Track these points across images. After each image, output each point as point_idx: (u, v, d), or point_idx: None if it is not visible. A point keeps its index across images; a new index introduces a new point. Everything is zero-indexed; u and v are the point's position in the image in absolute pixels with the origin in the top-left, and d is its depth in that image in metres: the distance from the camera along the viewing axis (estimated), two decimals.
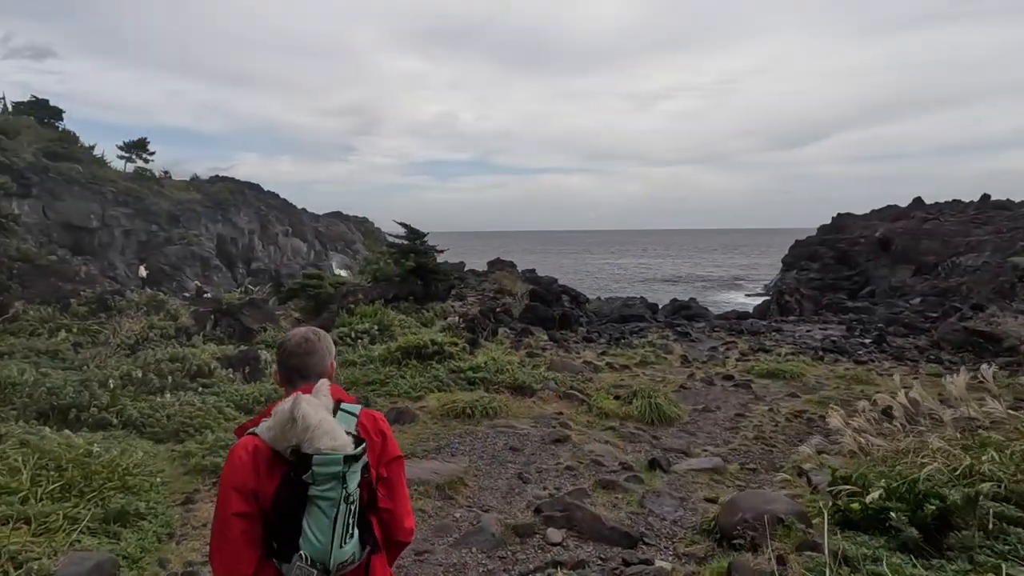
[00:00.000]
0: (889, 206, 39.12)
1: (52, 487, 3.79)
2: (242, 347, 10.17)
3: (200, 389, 7.85)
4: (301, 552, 1.51)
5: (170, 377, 7.83)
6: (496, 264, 27.70)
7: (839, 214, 39.73)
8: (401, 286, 15.45)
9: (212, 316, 11.32)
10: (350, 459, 1.54)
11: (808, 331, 17.75)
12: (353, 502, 1.56)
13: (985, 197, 34.01)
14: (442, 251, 17.07)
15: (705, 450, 6.73)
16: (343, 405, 1.75)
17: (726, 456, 6.57)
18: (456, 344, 10.52)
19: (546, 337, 14.79)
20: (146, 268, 24.77)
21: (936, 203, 36.94)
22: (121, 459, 4.64)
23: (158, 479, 4.67)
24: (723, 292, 46.03)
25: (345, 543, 1.55)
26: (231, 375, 8.53)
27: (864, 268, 34.22)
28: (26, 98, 40.54)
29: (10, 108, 38.39)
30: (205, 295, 17.82)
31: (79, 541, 3.40)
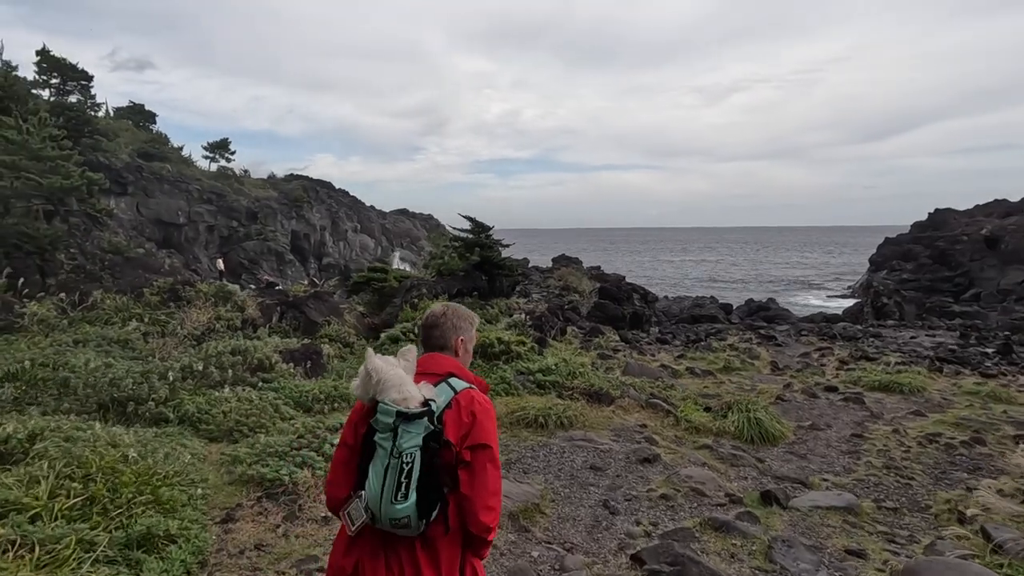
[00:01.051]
0: (997, 200, 35.02)
1: (73, 502, 3.24)
2: (305, 341, 9.78)
3: (260, 384, 7.41)
4: (363, 492, 1.68)
5: (230, 370, 7.43)
6: (561, 261, 26.73)
7: (936, 209, 35.97)
8: (465, 281, 14.80)
9: (278, 308, 11.04)
10: (402, 415, 1.63)
11: (913, 337, 15.72)
12: (407, 463, 1.61)
13: None
14: (508, 245, 16.30)
15: (824, 479, 5.55)
16: (451, 379, 1.80)
17: (852, 488, 5.38)
18: (524, 343, 9.69)
19: (617, 338, 13.73)
20: (223, 261, 25.57)
21: (1016, 201, 32.69)
22: (160, 466, 4.10)
23: (199, 490, 4.10)
24: (799, 293, 42.89)
25: (397, 500, 1.60)
26: (292, 370, 8.07)
27: (967, 269, 30.73)
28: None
29: (111, 113, 41.02)
30: (274, 287, 17.92)
31: (91, 573, 2.80)
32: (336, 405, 7.32)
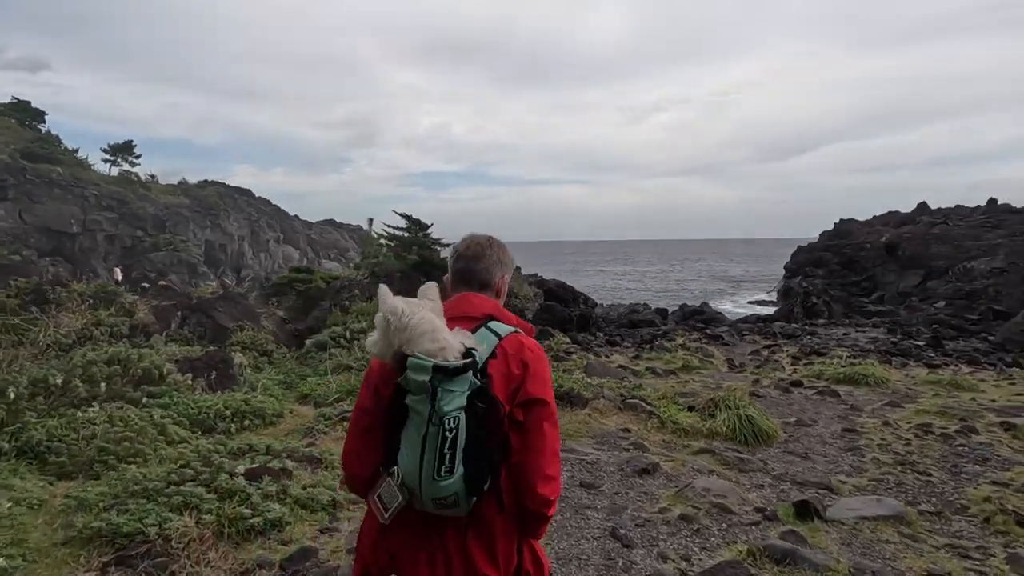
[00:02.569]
0: (891, 212, 37.71)
1: None
2: (211, 349, 8.01)
3: (146, 400, 5.70)
4: (396, 468, 1.30)
5: (103, 384, 5.67)
6: None
7: (842, 220, 38.22)
8: (403, 282, 13.34)
9: (179, 312, 9.14)
10: (441, 371, 1.22)
11: (846, 334, 15.88)
12: (451, 429, 1.23)
13: (992, 201, 32.65)
14: (447, 245, 15.00)
15: (843, 481, 4.71)
16: (492, 323, 1.44)
17: (874, 490, 4.56)
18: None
19: (567, 340, 12.75)
20: (122, 270, 22.41)
21: (940, 208, 35.59)
22: None
23: (3, 562, 2.54)
24: (722, 299, 44.33)
25: (440, 475, 1.25)
26: (191, 382, 6.38)
27: (872, 273, 32.58)
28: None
29: None
30: (167, 288, 15.56)
31: None
32: (247, 422, 5.74)
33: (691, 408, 6.34)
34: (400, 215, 14.85)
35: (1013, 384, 8.94)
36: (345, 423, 5.64)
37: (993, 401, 7.58)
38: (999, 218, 30.60)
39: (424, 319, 1.30)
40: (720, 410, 6.06)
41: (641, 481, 4.32)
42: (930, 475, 4.91)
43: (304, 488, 3.36)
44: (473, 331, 1.40)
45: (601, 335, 15.87)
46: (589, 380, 7.47)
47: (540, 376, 1.40)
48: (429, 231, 14.64)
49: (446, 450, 1.24)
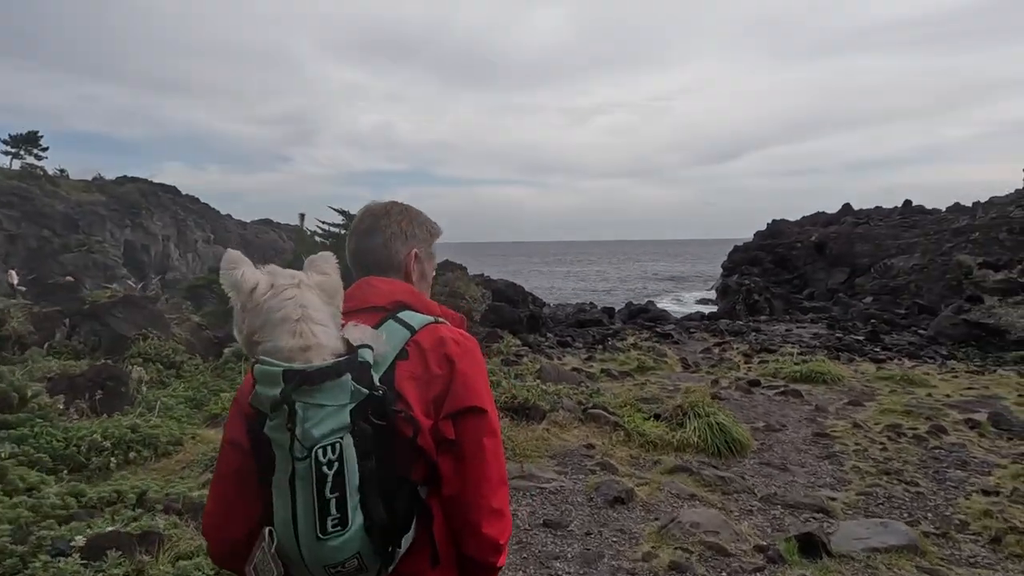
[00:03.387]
0: (818, 212, 39.36)
1: None
2: (103, 361, 6.71)
3: None
4: (267, 528, 0.92)
5: None
6: (445, 267, 24.68)
7: (774, 220, 39.57)
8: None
9: (65, 320, 7.71)
10: (296, 377, 0.87)
11: (788, 330, 15.99)
12: (329, 462, 0.86)
13: (907, 203, 34.63)
14: None
15: (831, 498, 4.17)
16: (403, 313, 1.07)
17: (865, 507, 4.06)
18: None
19: (518, 342, 12.01)
20: (18, 272, 19.81)
21: (862, 209, 37.45)
22: None
23: None
24: (662, 297, 45.06)
25: (325, 532, 0.87)
26: (61, 406, 5.15)
27: (803, 271, 33.81)
28: None
29: None
30: (76, 287, 13.70)
31: None
32: (133, 455, 4.64)
33: (657, 416, 5.71)
34: (336, 210, 13.66)
35: (957, 378, 8.95)
36: None
37: (947, 396, 7.44)
38: (914, 218, 32.42)
39: (287, 300, 0.93)
40: (689, 418, 5.46)
41: (615, 514, 3.60)
42: (917, 485, 4.48)
43: (176, 564, 2.41)
44: (376, 325, 1.03)
45: (552, 336, 15.25)
46: (544, 387, 6.74)
47: (472, 376, 1.04)
48: None
49: (328, 494, 0.87)
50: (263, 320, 0.92)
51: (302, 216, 13.47)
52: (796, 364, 9.46)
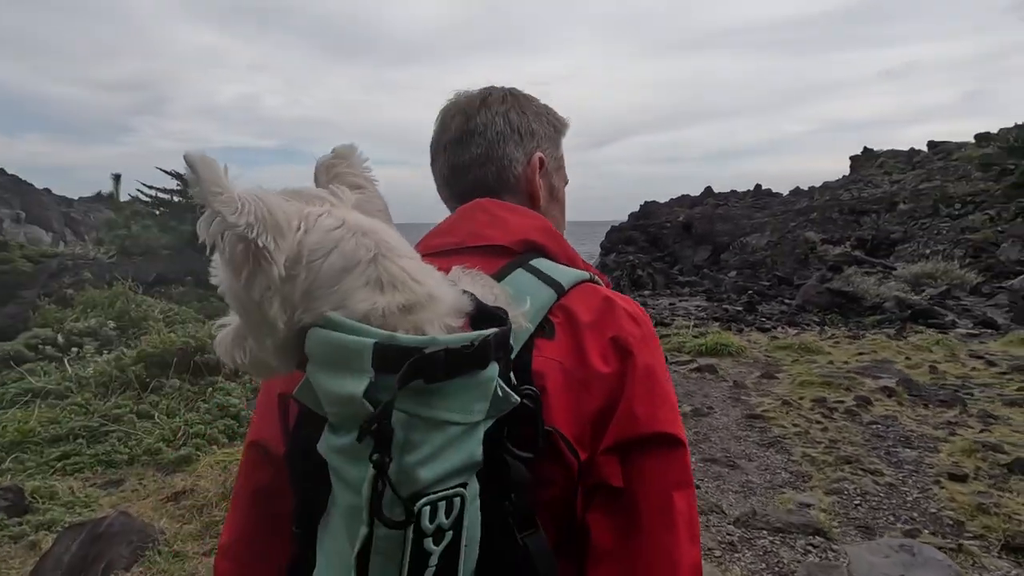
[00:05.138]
0: (684, 195, 41.74)
1: None
2: None
3: None
4: None
5: None
6: None
7: (646, 202, 41.31)
8: (173, 263, 9.62)
9: None
10: (406, 364, 0.43)
11: (672, 304, 16.06)
12: (442, 531, 0.44)
13: (758, 187, 37.80)
14: None
15: (806, 504, 3.26)
16: (538, 262, 0.64)
17: (847, 510, 3.21)
18: None
19: None
20: None
21: (720, 192, 40.35)
22: None
23: None
24: None
25: None
26: None
27: (673, 249, 35.52)
28: None
29: None
30: None
31: None
32: None
33: None
34: (169, 173, 10.85)
35: (839, 344, 8.99)
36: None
37: (846, 363, 7.22)
38: (764, 200, 35.43)
39: (334, 231, 0.48)
40: None
41: None
42: (881, 474, 3.75)
43: None
44: (498, 276, 0.59)
45: None
46: None
47: (660, 380, 0.60)
48: None
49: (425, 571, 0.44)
50: (305, 285, 0.46)
51: (116, 178, 10.48)
52: (696, 337, 9.00)
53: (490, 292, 0.54)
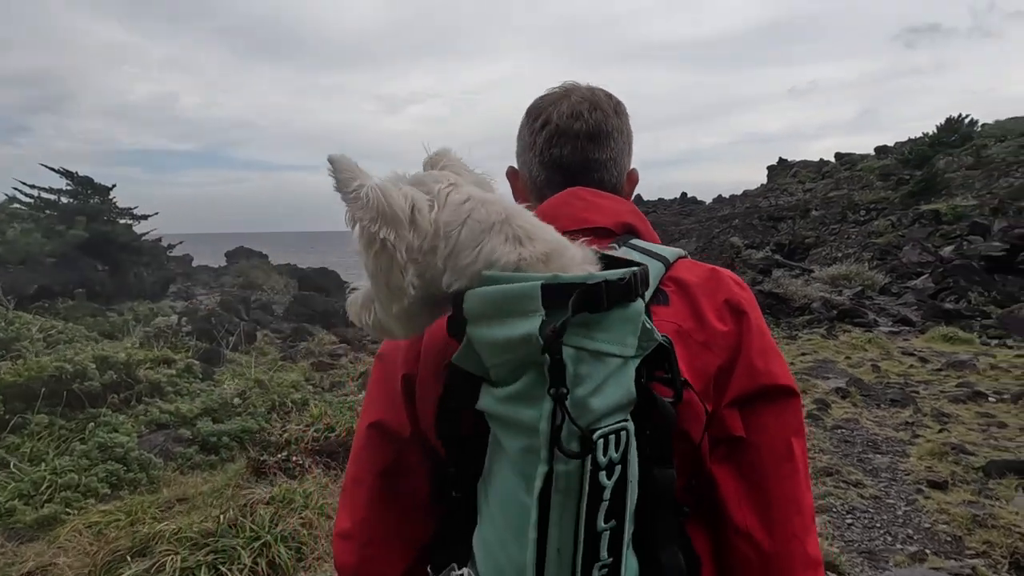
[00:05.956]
0: None
1: None
2: None
3: None
4: (463, 571, 0.55)
5: None
6: (240, 255, 20.23)
7: None
8: (59, 273, 8.25)
9: None
10: (573, 296, 0.48)
11: None
12: (613, 464, 0.48)
13: (684, 195, 39.33)
14: (145, 217, 10.15)
15: None
16: (636, 241, 0.69)
17: (842, 530, 2.90)
18: (173, 362, 4.82)
19: (334, 338, 9.46)
20: None
21: (650, 200, 41.68)
22: None
23: None
24: None
25: None
26: None
27: None
28: None
29: None
30: None
31: None
32: None
33: None
34: (57, 171, 9.36)
35: (778, 344, 9.11)
36: None
37: (792, 364, 7.19)
38: (690, 208, 36.85)
39: (465, 204, 0.54)
40: None
41: None
42: (863, 485, 3.51)
43: None
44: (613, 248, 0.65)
45: None
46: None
47: (770, 339, 0.66)
48: (111, 197, 9.57)
49: (602, 523, 0.47)
50: (448, 242, 0.52)
51: None
52: None
53: (614, 253, 0.59)
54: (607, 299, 0.47)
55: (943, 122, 21.54)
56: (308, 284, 12.39)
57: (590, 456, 0.46)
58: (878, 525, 3.01)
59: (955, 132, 20.85)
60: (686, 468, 0.58)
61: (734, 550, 0.61)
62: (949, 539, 2.84)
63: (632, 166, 0.79)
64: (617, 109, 0.76)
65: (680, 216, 36.35)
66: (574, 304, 0.46)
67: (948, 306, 11.62)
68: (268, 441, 3.32)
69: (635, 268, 0.51)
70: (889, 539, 2.87)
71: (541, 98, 0.77)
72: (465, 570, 0.54)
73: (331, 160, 0.53)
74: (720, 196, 37.25)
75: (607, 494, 0.47)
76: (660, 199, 42.14)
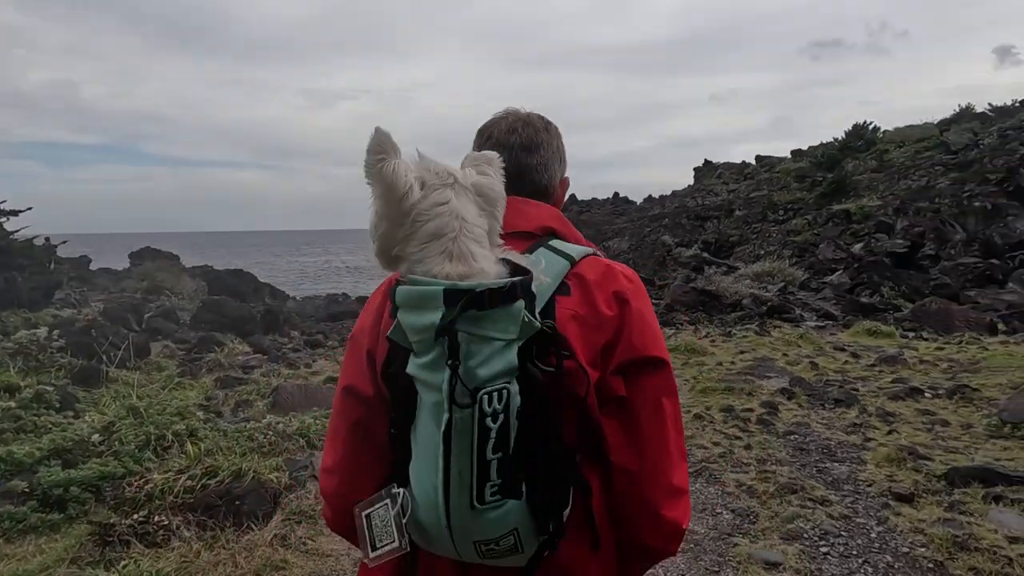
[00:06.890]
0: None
1: None
2: None
3: None
4: (401, 491, 0.75)
5: None
6: (144, 255, 18.15)
7: None
8: None
9: None
10: (463, 299, 0.70)
11: None
12: (495, 413, 0.70)
13: (616, 195, 39.99)
14: (15, 212, 8.62)
15: (771, 565, 2.54)
16: (554, 241, 0.90)
17: (827, 570, 2.54)
18: (18, 389, 3.84)
19: (247, 348, 8.39)
20: None
21: (583, 200, 42.07)
22: None
23: None
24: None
25: (483, 500, 0.71)
26: None
27: None
28: None
29: None
30: None
31: None
32: None
33: None
34: None
35: (715, 343, 9.02)
36: None
37: (733, 363, 7.04)
38: (622, 207, 37.49)
39: (441, 206, 0.77)
40: None
41: None
42: (829, 503, 3.20)
43: None
44: (526, 252, 0.86)
45: (297, 335, 11.79)
46: (277, 426, 3.84)
47: (650, 320, 0.87)
48: None
49: (491, 454, 0.70)
50: (408, 231, 0.77)
51: None
52: None
53: (522, 260, 0.81)
54: (489, 301, 0.69)
55: (851, 128, 22.97)
56: (220, 287, 11.11)
57: (477, 407, 0.68)
58: (855, 552, 2.68)
59: (861, 138, 22.27)
60: (576, 418, 0.79)
61: (615, 483, 0.83)
62: (931, 565, 2.55)
63: (566, 175, 1.02)
64: (547, 128, 0.99)
65: (613, 216, 36.88)
66: (462, 304, 0.68)
67: (864, 300, 12.15)
68: (123, 497, 2.52)
69: (516, 279, 0.72)
70: (870, 570, 2.54)
71: (488, 120, 1.00)
72: (402, 490, 0.75)
73: (376, 132, 0.75)
74: (651, 196, 38.16)
75: (493, 434, 0.69)
76: (594, 199, 42.63)
